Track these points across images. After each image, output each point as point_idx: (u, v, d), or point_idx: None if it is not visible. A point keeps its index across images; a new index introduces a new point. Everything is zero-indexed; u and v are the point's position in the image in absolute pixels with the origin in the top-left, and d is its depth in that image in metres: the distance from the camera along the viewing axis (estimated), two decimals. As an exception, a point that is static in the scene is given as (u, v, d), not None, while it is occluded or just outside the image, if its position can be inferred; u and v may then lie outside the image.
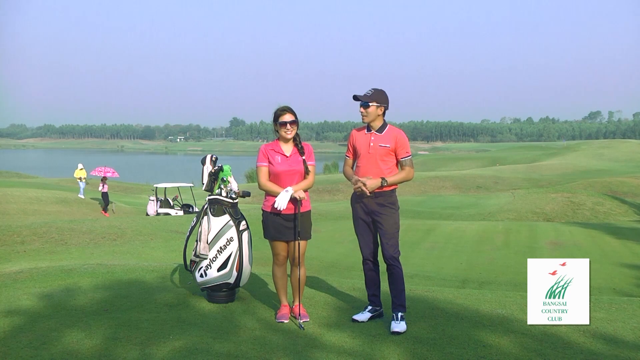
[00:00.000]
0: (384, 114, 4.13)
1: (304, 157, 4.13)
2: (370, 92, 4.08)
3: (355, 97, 4.09)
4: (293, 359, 3.39)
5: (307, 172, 4.14)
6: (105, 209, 21.59)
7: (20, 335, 3.68)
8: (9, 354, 3.34)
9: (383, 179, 3.97)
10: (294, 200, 4.04)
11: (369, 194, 4.00)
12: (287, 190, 3.99)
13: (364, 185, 3.96)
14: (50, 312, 4.20)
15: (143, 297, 4.62)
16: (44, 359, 3.27)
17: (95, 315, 4.11)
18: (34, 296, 4.68)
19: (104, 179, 22.43)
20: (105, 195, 21.85)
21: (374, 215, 4.07)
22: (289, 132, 4.07)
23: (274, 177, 4.11)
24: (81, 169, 24.54)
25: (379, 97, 4.07)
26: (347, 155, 4.31)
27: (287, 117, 4.06)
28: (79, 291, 4.89)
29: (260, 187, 4.16)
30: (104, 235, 11.64)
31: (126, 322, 3.95)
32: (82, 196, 23.84)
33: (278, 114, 4.08)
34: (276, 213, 4.06)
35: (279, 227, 4.11)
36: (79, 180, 24.33)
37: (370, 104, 4.04)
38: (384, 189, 4.02)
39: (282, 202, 3.96)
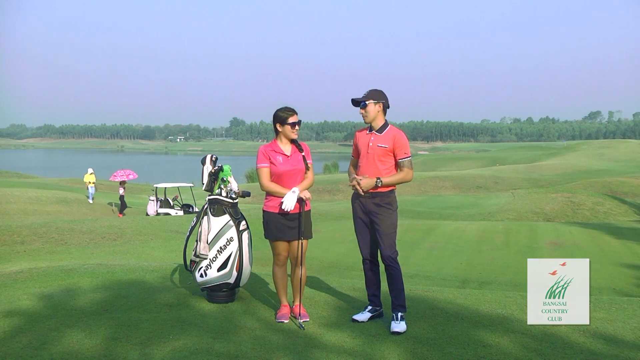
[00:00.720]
0: (384, 112, 4.14)
1: (303, 154, 4.15)
2: (366, 92, 4.12)
3: (353, 101, 4.11)
4: (293, 359, 3.39)
5: (307, 169, 4.16)
6: (121, 212, 21.53)
7: (20, 335, 3.67)
8: (9, 354, 3.34)
9: (378, 179, 3.98)
10: (299, 200, 4.07)
11: (362, 193, 4.02)
12: (293, 191, 4.01)
13: (359, 184, 3.99)
14: (50, 312, 4.20)
15: (143, 297, 4.62)
16: (43, 359, 3.28)
17: (95, 316, 4.11)
18: (34, 296, 4.68)
19: (122, 183, 22.27)
20: (122, 198, 21.80)
21: (371, 215, 4.08)
22: (296, 133, 4.14)
23: (276, 177, 4.12)
24: (91, 174, 23.81)
25: (375, 94, 4.10)
26: (353, 155, 4.34)
27: (296, 119, 4.12)
28: (79, 291, 4.89)
29: (263, 188, 4.17)
30: (104, 235, 11.64)
31: (126, 322, 3.95)
32: (91, 201, 23.31)
33: (285, 115, 4.10)
34: (280, 213, 4.07)
35: (282, 227, 4.12)
36: (88, 185, 23.57)
37: (367, 102, 4.06)
38: (380, 189, 4.03)
39: (290, 203, 3.98)
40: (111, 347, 3.48)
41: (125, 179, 22.97)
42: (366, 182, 3.99)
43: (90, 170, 24.03)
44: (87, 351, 3.41)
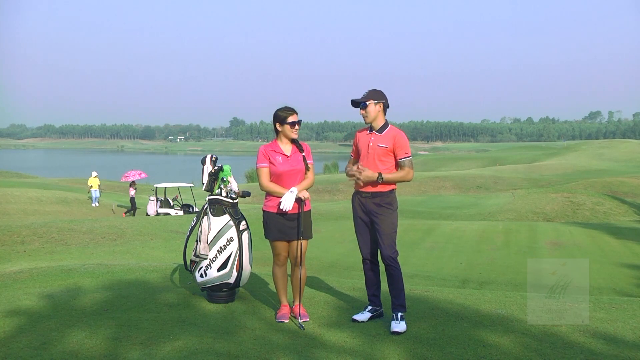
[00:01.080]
0: (384, 111, 4.14)
1: (303, 154, 4.15)
2: (366, 93, 4.12)
3: (353, 102, 4.11)
4: (293, 358, 3.39)
5: (307, 169, 4.16)
6: (128, 212, 21.49)
7: (20, 335, 3.67)
8: (9, 354, 3.34)
9: (380, 174, 3.98)
10: (298, 200, 4.06)
11: (361, 183, 4.02)
12: (292, 191, 4.01)
13: (360, 173, 3.98)
14: (51, 312, 4.20)
15: (143, 297, 4.62)
16: (44, 359, 3.27)
17: (95, 316, 4.11)
18: (34, 296, 4.67)
19: (132, 183, 22.21)
20: (132, 199, 21.81)
21: (371, 215, 4.08)
22: (296, 132, 4.13)
23: (275, 177, 4.11)
24: (95, 177, 23.07)
25: (375, 94, 4.10)
26: (352, 155, 4.34)
27: (295, 118, 4.11)
28: (79, 291, 4.89)
29: (262, 188, 4.17)
30: (104, 235, 11.64)
31: (127, 322, 3.95)
32: (96, 205, 22.78)
33: (284, 115, 4.10)
34: (279, 213, 4.07)
35: (282, 227, 4.12)
36: (91, 189, 22.89)
37: (367, 103, 4.06)
38: (381, 189, 4.03)
39: (288, 203, 3.97)
40: (112, 347, 3.48)
41: (138, 177, 23.02)
42: (367, 173, 3.99)
43: (94, 174, 23.37)
44: (88, 351, 3.41)
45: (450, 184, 36.73)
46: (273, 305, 4.49)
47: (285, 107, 4.14)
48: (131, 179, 22.96)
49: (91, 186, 23.05)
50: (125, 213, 21.33)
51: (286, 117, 4.09)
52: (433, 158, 76.64)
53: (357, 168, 4.04)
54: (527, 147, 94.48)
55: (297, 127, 4.12)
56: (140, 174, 23.74)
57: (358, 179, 4.02)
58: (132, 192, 21.90)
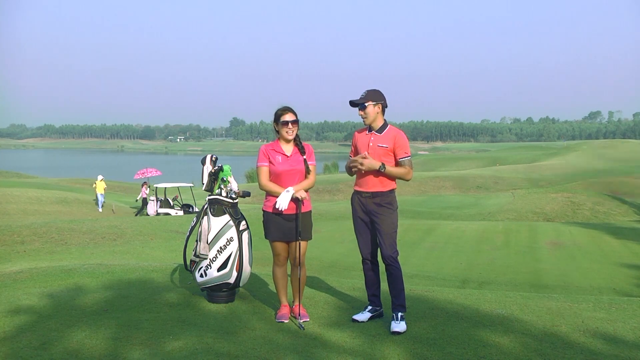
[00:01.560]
0: (383, 112, 4.14)
1: (304, 157, 4.13)
2: (364, 93, 4.11)
3: (352, 103, 4.10)
4: (293, 358, 3.39)
5: (307, 171, 4.15)
6: (139, 213, 21.46)
7: (20, 335, 3.67)
8: (9, 354, 3.34)
9: (382, 164, 3.97)
10: (295, 200, 4.05)
11: (363, 171, 4.01)
12: (288, 191, 4.00)
13: (364, 158, 3.97)
14: (51, 312, 4.19)
15: (143, 297, 4.62)
16: (44, 359, 3.28)
17: (95, 316, 4.11)
18: (34, 296, 4.67)
19: (144, 184, 22.21)
20: (144, 200, 21.74)
21: (371, 215, 4.08)
22: (290, 133, 4.09)
23: (274, 177, 4.11)
24: (101, 180, 22.24)
25: (374, 95, 4.09)
26: (350, 155, 4.33)
27: (289, 117, 4.08)
28: (79, 291, 4.89)
29: (261, 187, 4.17)
30: (104, 235, 11.64)
31: (127, 322, 3.95)
32: (101, 210, 22.00)
33: (279, 113, 4.09)
34: (277, 213, 4.06)
35: (281, 227, 4.11)
36: (97, 193, 22.14)
37: (366, 104, 4.06)
38: (381, 187, 4.03)
39: (283, 202, 3.96)
40: (112, 347, 3.48)
41: (155, 174, 23.24)
42: (371, 161, 3.98)
43: (100, 177, 22.51)
44: (88, 351, 3.41)
45: (450, 184, 36.74)
46: (273, 305, 4.49)
47: (283, 106, 4.13)
48: (148, 175, 23.15)
49: (95, 187, 22.53)
50: (145, 214, 21.33)
51: (280, 116, 4.08)
52: (433, 158, 76.63)
53: (362, 155, 4.02)
54: (527, 147, 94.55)
55: (290, 126, 4.06)
56: (156, 171, 23.97)
57: (360, 163, 3.98)
58: (146, 191, 21.85)
